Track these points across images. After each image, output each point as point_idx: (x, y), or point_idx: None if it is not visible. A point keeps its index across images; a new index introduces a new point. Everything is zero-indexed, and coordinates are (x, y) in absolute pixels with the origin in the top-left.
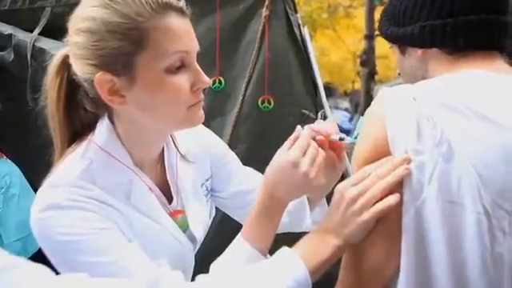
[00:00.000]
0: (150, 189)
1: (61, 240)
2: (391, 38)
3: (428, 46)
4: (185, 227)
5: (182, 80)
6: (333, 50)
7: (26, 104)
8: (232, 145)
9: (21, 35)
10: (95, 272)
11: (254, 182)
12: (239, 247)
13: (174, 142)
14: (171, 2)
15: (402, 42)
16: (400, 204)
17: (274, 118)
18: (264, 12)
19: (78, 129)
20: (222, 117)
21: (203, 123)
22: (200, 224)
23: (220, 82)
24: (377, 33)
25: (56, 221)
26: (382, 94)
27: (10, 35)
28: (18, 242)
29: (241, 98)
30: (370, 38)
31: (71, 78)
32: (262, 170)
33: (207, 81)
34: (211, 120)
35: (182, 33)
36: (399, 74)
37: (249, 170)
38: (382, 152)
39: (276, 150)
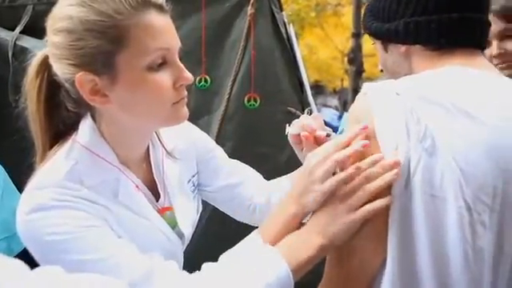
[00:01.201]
0: (137, 187)
1: (49, 240)
2: (375, 34)
3: (412, 43)
4: (173, 224)
5: (164, 77)
6: (321, 49)
7: (8, 104)
8: (218, 143)
9: (2, 34)
10: (87, 270)
11: (242, 175)
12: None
13: (160, 139)
14: None
15: (385, 38)
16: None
17: (260, 116)
18: (249, 10)
19: (61, 129)
20: (209, 115)
21: (190, 121)
22: (188, 220)
23: (206, 81)
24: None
25: (43, 222)
26: (364, 90)
27: None
28: (3, 242)
29: (227, 96)
30: (357, 36)
31: (52, 79)
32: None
33: (190, 77)
34: (197, 118)
35: (162, 30)
36: (381, 70)
37: (236, 163)
38: (370, 148)
39: (262, 148)
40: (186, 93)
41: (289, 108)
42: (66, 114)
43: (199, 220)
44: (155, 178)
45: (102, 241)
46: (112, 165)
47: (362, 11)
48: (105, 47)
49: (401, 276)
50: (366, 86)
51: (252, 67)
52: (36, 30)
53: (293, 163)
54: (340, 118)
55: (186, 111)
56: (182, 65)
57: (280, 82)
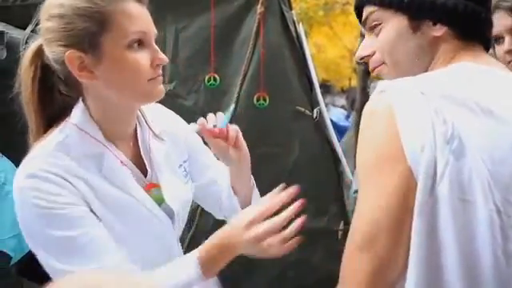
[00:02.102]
0: (122, 162)
1: (36, 205)
2: (416, 7)
3: (464, 27)
4: (160, 201)
5: (142, 56)
6: (329, 47)
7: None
8: None
9: (14, 32)
10: (68, 246)
11: (217, 173)
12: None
13: (146, 121)
14: None
15: (432, 14)
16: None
17: (269, 115)
18: (259, 9)
19: (55, 113)
20: None
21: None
22: (177, 198)
23: (215, 80)
24: None
25: (33, 189)
26: (381, 88)
27: (3, 32)
28: (14, 239)
29: (236, 95)
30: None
31: (45, 64)
32: (257, 167)
33: (164, 58)
34: (206, 117)
35: (139, 16)
36: (368, 56)
37: (218, 163)
38: (393, 149)
39: (271, 147)
40: (161, 71)
41: (298, 107)
42: (59, 98)
43: (208, 214)
44: (142, 155)
45: (82, 220)
46: (97, 140)
47: None
48: (91, 29)
49: (426, 277)
50: (382, 84)
51: (261, 66)
52: None
53: (301, 162)
54: (348, 117)
55: (161, 88)
56: (157, 48)
57: (289, 80)
